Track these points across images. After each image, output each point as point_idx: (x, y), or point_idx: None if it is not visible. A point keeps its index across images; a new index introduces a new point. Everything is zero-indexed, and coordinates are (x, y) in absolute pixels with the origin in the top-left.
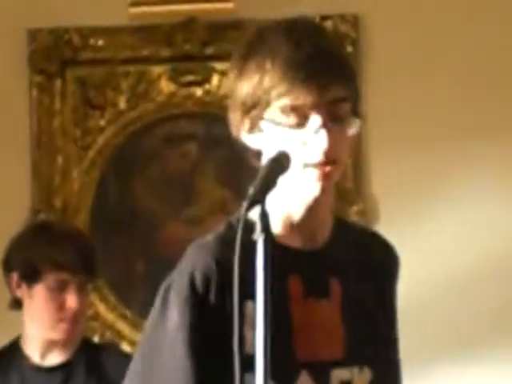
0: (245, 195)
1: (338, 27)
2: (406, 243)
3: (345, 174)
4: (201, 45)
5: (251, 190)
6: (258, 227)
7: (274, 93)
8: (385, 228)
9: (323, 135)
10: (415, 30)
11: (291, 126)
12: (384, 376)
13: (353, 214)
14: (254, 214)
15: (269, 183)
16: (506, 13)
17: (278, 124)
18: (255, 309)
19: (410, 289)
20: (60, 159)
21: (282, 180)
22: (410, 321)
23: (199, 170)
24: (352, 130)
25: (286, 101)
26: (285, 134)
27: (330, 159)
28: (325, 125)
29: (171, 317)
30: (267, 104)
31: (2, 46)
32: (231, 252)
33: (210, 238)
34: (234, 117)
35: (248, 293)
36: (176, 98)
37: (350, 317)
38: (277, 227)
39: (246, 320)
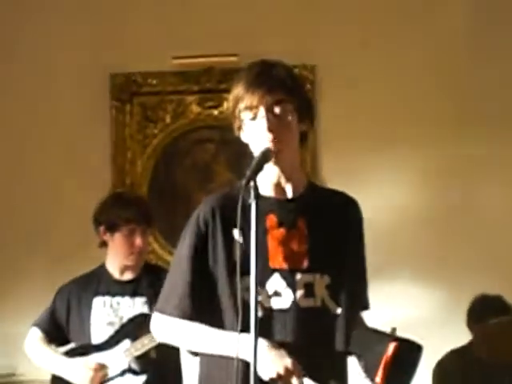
0: (244, 175)
1: (302, 73)
2: None
3: (305, 163)
4: (217, 83)
5: (247, 172)
6: (252, 195)
7: (239, 101)
8: None
9: (263, 122)
10: (349, 73)
11: (249, 120)
12: (340, 282)
13: None
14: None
15: (258, 168)
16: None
17: (244, 120)
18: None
19: None
20: (129, 154)
21: (266, 166)
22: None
23: (215, 160)
24: (292, 122)
25: (243, 104)
26: (248, 126)
27: (273, 140)
28: (265, 116)
29: (186, 240)
30: (239, 110)
31: (94, 84)
32: (227, 200)
33: (217, 192)
34: (233, 123)
35: (235, 223)
36: (201, 116)
37: (314, 242)
38: (261, 185)
39: (234, 240)
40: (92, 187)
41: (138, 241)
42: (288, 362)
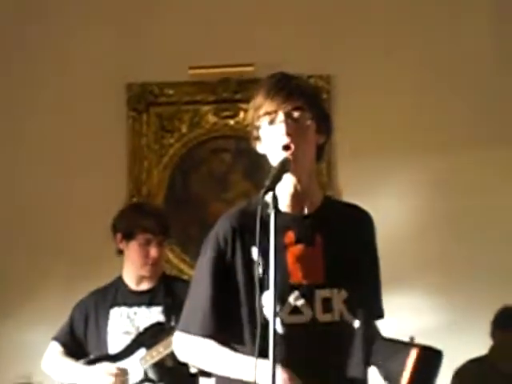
0: (262, 186)
1: (317, 83)
2: None
3: (322, 173)
4: (233, 93)
5: (266, 182)
6: (271, 205)
7: (258, 108)
8: None
9: (282, 126)
10: (364, 83)
11: (268, 124)
12: (357, 296)
13: None
14: (268, 197)
15: (277, 178)
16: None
17: (261, 127)
18: (259, 251)
19: None
20: (146, 163)
21: (285, 176)
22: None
23: (231, 170)
24: (310, 130)
25: (262, 110)
26: (265, 131)
27: (289, 143)
28: (284, 121)
29: (206, 255)
30: (257, 116)
31: (110, 94)
32: (245, 218)
33: (234, 208)
34: (251, 133)
35: (253, 242)
36: (217, 126)
37: (331, 257)
38: (280, 201)
39: (252, 258)
40: (109, 197)
41: (154, 251)
42: None
